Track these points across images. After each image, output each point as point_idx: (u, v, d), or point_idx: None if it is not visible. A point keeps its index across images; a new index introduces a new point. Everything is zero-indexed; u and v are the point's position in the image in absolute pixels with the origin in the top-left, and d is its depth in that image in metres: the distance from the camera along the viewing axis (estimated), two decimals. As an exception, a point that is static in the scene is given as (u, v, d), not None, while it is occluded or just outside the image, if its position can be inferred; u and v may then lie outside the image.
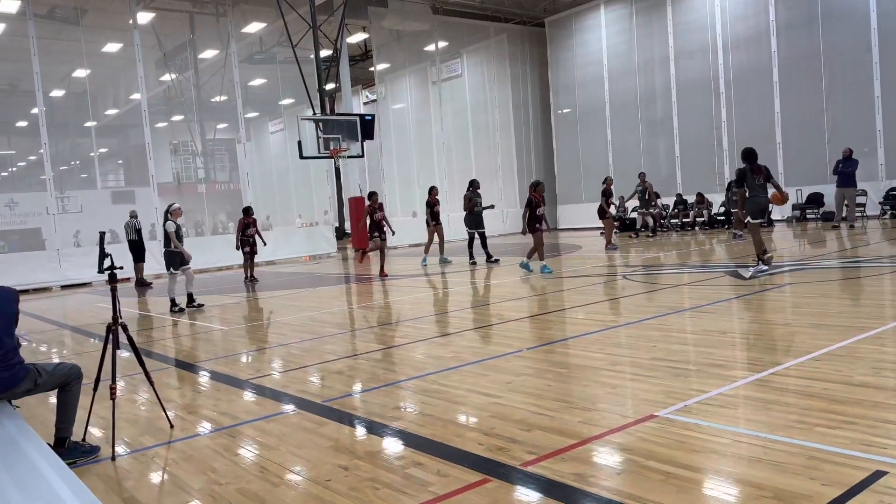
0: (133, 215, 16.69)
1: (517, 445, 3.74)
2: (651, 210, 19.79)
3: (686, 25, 22.52)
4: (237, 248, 15.10)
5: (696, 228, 20.58)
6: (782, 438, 3.52)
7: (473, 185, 15.38)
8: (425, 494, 3.22)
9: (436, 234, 15.80)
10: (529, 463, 3.48)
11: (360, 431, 4.34)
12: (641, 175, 19.69)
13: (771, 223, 19.31)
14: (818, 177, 19.29)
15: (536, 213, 11.91)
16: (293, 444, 4.15)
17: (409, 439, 4.04)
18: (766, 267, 9.87)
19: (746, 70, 20.97)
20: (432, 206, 15.71)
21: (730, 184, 18.09)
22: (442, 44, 26.97)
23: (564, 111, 27.15)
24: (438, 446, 3.86)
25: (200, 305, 11.43)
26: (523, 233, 12.12)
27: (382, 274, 14.09)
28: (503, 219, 26.98)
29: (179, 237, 11.01)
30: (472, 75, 28.48)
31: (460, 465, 3.53)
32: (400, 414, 4.59)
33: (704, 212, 20.47)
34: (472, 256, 15.18)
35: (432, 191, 16.07)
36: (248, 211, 15.16)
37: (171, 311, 11.08)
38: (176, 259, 11.03)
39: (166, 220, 10.99)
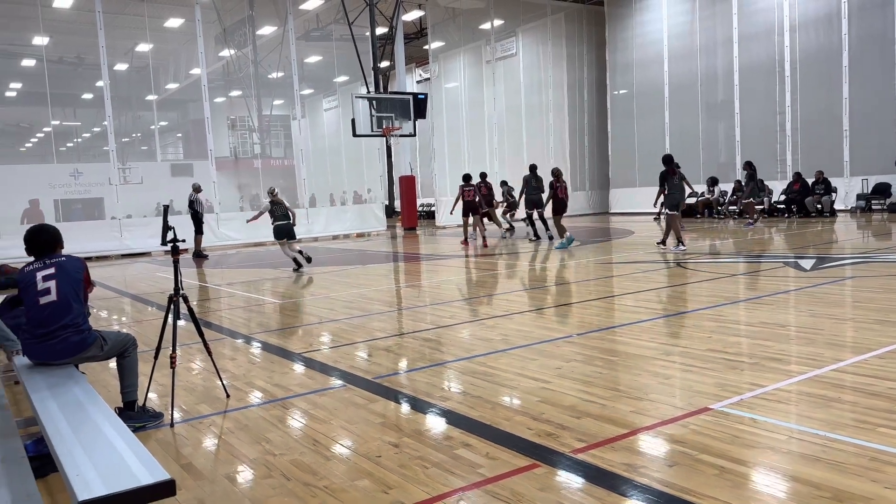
0: (196, 189, 17.01)
1: (567, 432, 3.73)
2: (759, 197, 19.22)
3: (752, 6, 21.72)
4: None
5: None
6: (843, 437, 3.41)
7: (532, 169, 15.63)
8: (474, 476, 3.24)
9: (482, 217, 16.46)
10: (579, 451, 3.46)
11: (409, 409, 4.38)
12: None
13: (833, 213, 18.64)
14: (886, 166, 18.47)
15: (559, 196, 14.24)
16: (344, 418, 4.22)
17: (458, 420, 4.06)
18: (684, 247, 12.32)
19: (814, 53, 20.14)
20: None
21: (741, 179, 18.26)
22: (497, 22, 26.66)
23: (621, 92, 26.61)
24: (487, 429, 3.87)
25: (308, 259, 12.99)
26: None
27: (484, 245, 15.50)
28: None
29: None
30: (527, 55, 28.09)
31: (509, 449, 3.53)
32: (448, 394, 4.62)
33: (765, 199, 19.86)
34: (536, 234, 16.03)
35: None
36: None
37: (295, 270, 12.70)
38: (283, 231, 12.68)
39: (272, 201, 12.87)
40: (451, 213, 17.47)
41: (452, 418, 4.10)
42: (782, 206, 19.72)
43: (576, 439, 3.61)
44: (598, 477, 3.15)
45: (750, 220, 17.63)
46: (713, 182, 21.29)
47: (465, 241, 16.23)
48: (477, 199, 16.22)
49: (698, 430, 3.64)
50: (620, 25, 26.31)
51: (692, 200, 21.71)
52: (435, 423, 4.08)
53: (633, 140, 25.89)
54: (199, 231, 17.00)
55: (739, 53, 22.03)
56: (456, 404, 4.35)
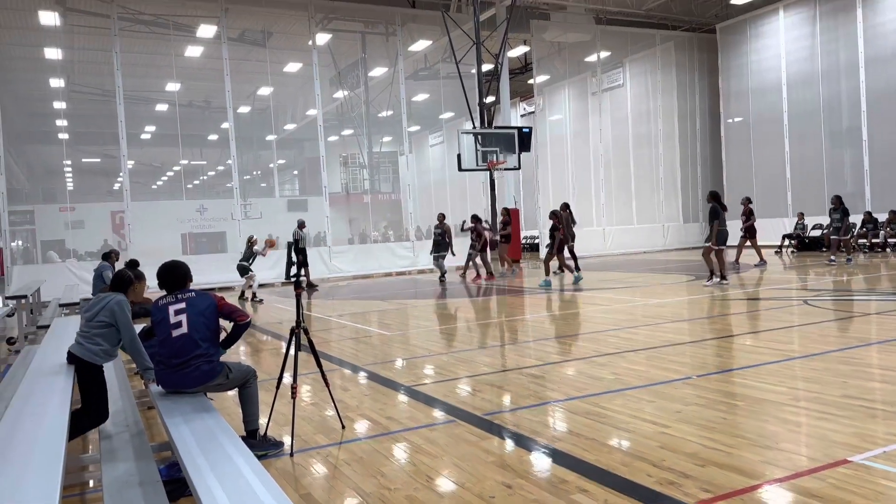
0: (301, 225, 17.82)
1: (690, 481, 3.54)
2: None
3: (879, 28, 20.42)
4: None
5: (888, 250, 18.54)
6: None
7: (565, 207, 16.30)
8: (593, 523, 3.13)
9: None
10: (705, 502, 3.27)
11: (521, 449, 4.31)
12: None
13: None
14: None
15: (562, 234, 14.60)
16: (456, 455, 4.21)
17: (573, 463, 3.95)
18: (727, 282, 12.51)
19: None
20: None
21: (833, 210, 16.28)
22: (604, 54, 26.44)
23: (736, 120, 25.61)
24: (604, 474, 3.74)
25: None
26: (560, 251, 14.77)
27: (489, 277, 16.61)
28: (664, 234, 25.92)
29: None
30: (635, 85, 27.62)
31: (629, 497, 3.40)
32: (560, 434, 4.52)
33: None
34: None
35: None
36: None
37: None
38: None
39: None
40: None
41: (566, 461, 4.00)
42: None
43: (700, 489, 3.42)
44: (727, 532, 2.97)
45: (846, 257, 16.17)
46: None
47: (489, 275, 16.96)
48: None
49: (837, 485, 3.36)
50: (734, 52, 25.44)
51: (816, 233, 20.51)
52: (548, 465, 3.99)
53: (749, 170, 24.77)
54: (305, 264, 17.71)
55: (866, 78, 20.71)
56: (570, 446, 4.24)
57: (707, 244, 12.87)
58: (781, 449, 3.96)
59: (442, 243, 17.09)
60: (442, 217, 17.66)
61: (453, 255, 17.42)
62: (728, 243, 13.37)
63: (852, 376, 5.51)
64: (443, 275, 17.30)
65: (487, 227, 17.68)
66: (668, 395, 5.26)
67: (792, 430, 4.33)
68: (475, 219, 17.19)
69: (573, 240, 16.05)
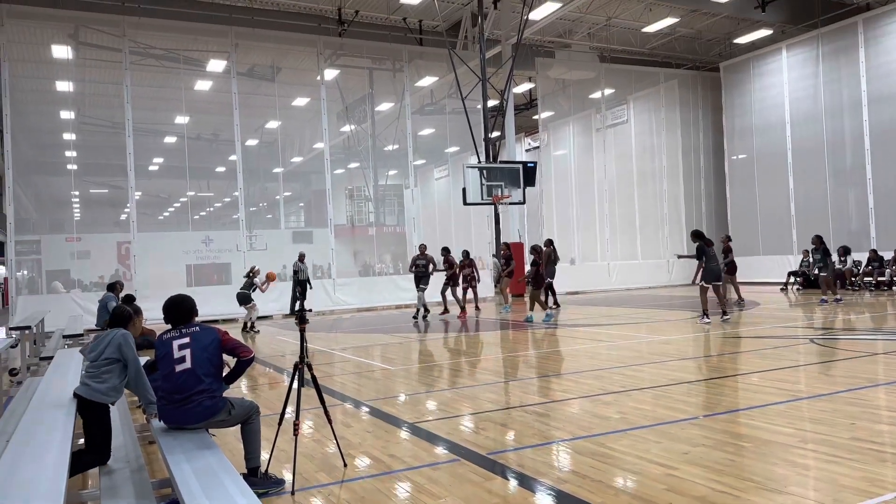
0: (301, 258, 17.89)
1: (698, 525, 3.47)
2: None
3: (882, 68, 20.63)
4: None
5: (895, 288, 18.45)
6: None
7: (548, 243, 16.43)
8: (599, 569, 3.06)
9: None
10: (714, 547, 3.21)
11: (527, 490, 4.25)
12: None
13: None
14: None
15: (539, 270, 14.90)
16: (461, 496, 4.15)
17: (579, 505, 3.89)
18: (710, 321, 12.38)
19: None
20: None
21: (814, 250, 16.21)
22: (608, 91, 26.75)
23: (740, 157, 25.75)
24: (610, 516, 3.68)
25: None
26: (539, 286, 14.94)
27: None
28: (668, 269, 25.87)
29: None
30: (639, 121, 27.87)
31: (636, 541, 3.33)
32: (567, 476, 4.45)
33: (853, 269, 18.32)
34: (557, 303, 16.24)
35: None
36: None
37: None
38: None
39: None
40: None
41: (572, 503, 3.93)
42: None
43: (709, 535, 3.35)
44: (736, 580, 2.90)
45: (834, 297, 15.72)
46: (845, 251, 19.91)
47: (462, 311, 16.61)
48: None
49: (850, 533, 3.29)
50: (737, 90, 25.70)
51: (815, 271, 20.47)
52: (554, 507, 3.93)
53: (754, 206, 24.83)
54: (303, 297, 17.71)
55: (870, 116, 20.86)
56: (575, 487, 4.18)
57: (700, 283, 12.81)
58: (790, 493, 3.90)
59: (425, 276, 16.37)
60: (424, 248, 17.04)
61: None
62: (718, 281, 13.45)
63: (861, 418, 5.44)
64: (426, 310, 16.45)
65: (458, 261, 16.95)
66: (675, 436, 5.19)
67: (800, 473, 4.27)
68: (445, 251, 16.93)
69: (552, 277, 16.34)
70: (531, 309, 15.11)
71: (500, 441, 5.41)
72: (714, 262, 12.85)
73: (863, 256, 19.79)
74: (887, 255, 19.13)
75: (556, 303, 17.10)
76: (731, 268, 16.35)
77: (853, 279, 19.54)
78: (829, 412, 5.73)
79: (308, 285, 17.88)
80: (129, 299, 9.34)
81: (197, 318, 4.58)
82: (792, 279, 20.55)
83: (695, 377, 7.78)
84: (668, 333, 11.95)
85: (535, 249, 15.37)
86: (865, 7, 21.49)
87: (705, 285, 12.69)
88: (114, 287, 11.69)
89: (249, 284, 15.36)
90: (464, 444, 5.27)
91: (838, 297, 15.82)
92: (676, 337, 11.43)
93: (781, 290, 20.12)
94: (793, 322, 12.78)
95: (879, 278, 18.99)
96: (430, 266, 16.53)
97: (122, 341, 4.33)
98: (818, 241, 16.05)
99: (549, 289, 16.61)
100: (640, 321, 14.13)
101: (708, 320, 12.47)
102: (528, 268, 16.04)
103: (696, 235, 13.11)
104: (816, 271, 16.29)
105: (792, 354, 9.17)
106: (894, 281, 18.65)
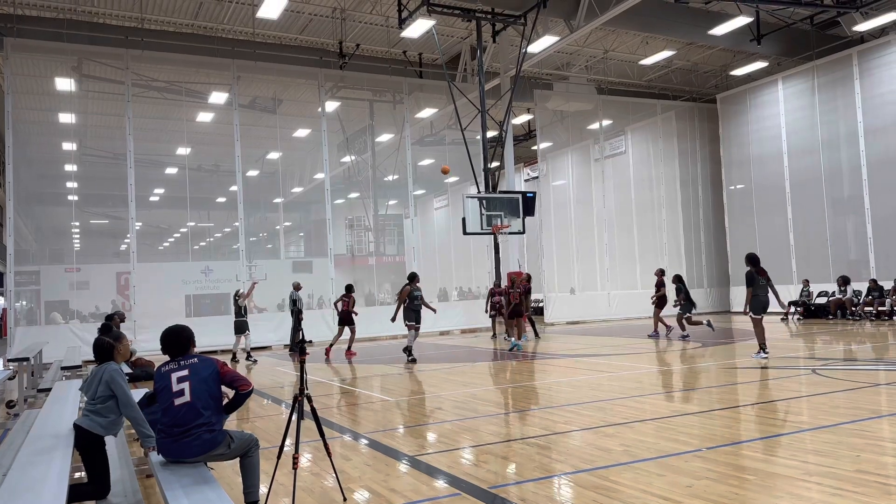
0: (296, 287, 17.81)
1: (703, 561, 3.42)
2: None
3: (878, 99, 20.86)
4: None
5: (895, 318, 18.41)
6: None
7: (528, 279, 17.49)
8: None
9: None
10: (719, 584, 3.16)
11: (529, 525, 4.19)
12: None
13: None
14: None
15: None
16: (461, 531, 4.09)
17: (582, 540, 3.83)
18: (766, 355, 11.47)
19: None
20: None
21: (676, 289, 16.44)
22: (606, 122, 27.01)
23: (738, 187, 25.90)
24: (614, 551, 3.63)
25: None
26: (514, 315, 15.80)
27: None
28: (669, 299, 25.78)
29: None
30: (637, 152, 28.08)
31: (640, 577, 3.28)
32: (569, 509, 4.40)
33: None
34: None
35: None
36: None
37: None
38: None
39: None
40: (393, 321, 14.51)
41: (575, 537, 3.88)
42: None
43: (714, 571, 3.30)
44: None
45: (685, 334, 15.94)
46: (844, 281, 19.94)
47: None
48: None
49: (857, 569, 3.24)
50: (735, 121, 25.95)
51: (822, 300, 20.54)
52: (556, 542, 3.87)
53: (753, 236, 24.89)
54: (299, 327, 17.63)
55: (866, 147, 21.04)
56: (578, 521, 4.12)
57: (749, 313, 11.75)
58: (796, 528, 3.85)
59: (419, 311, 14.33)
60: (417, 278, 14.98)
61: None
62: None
63: (865, 450, 5.39)
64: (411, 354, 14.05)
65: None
66: (678, 469, 5.14)
67: (806, 507, 4.22)
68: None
69: (527, 310, 17.09)
70: (518, 337, 15.67)
71: (501, 474, 5.35)
72: (764, 292, 11.72)
73: (862, 286, 19.79)
74: (887, 285, 19.13)
75: (535, 333, 17.74)
76: (661, 301, 17.00)
77: (853, 308, 19.52)
78: (832, 444, 5.68)
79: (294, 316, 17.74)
80: (106, 329, 9.29)
81: (195, 349, 4.56)
82: (792, 309, 20.52)
83: (697, 408, 7.73)
84: (671, 364, 11.89)
85: (509, 279, 16.44)
86: (860, 40, 21.79)
87: (754, 316, 11.67)
88: (111, 318, 11.66)
89: (238, 310, 15.47)
90: (464, 478, 5.21)
91: (686, 333, 16.02)
92: (677, 367, 11.36)
93: (782, 319, 20.08)
94: (794, 352, 12.71)
95: (880, 308, 18.96)
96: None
97: (110, 378, 4.34)
98: (678, 280, 16.41)
99: (529, 319, 17.51)
100: (640, 351, 14.06)
101: (765, 355, 11.46)
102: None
103: (750, 261, 11.98)
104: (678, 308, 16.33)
105: (794, 385, 9.11)
106: (895, 311, 18.61)
